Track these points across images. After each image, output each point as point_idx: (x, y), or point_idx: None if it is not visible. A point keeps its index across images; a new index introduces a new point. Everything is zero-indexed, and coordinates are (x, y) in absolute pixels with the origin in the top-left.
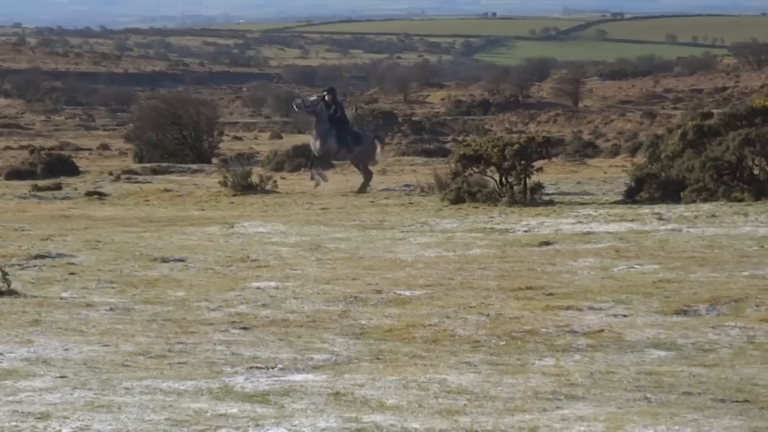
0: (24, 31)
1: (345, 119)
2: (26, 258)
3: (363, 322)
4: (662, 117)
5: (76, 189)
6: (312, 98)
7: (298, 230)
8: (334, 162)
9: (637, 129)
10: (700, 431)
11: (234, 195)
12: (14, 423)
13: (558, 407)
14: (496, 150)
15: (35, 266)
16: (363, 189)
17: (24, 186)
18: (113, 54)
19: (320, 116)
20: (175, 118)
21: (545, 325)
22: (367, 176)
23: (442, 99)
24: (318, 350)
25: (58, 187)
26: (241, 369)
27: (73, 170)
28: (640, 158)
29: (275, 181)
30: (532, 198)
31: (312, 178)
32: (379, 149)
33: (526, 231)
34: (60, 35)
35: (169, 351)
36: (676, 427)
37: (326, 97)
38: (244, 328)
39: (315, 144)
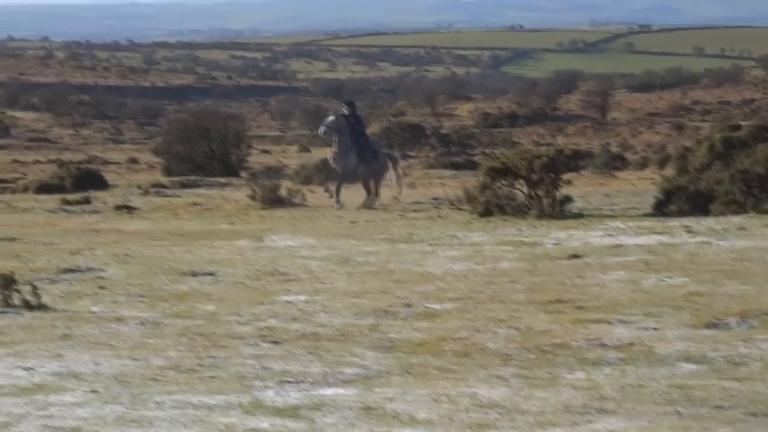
0: (51, 45)
1: (364, 133)
2: (56, 272)
3: (393, 335)
4: (690, 129)
5: (104, 203)
6: (331, 118)
7: (328, 244)
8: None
9: (665, 141)
10: None
11: (263, 208)
12: None
13: (589, 421)
14: (524, 163)
15: (65, 280)
16: (370, 204)
17: (53, 200)
18: (141, 68)
19: (341, 133)
20: (203, 131)
21: (575, 338)
22: (377, 193)
23: (470, 112)
24: (348, 364)
25: (87, 200)
26: (272, 383)
27: (102, 184)
28: (669, 171)
29: (304, 195)
30: (560, 211)
31: (326, 190)
32: (390, 169)
33: (555, 244)
34: (88, 49)
35: (200, 365)
36: None
37: (345, 111)
38: (274, 342)
39: (335, 161)
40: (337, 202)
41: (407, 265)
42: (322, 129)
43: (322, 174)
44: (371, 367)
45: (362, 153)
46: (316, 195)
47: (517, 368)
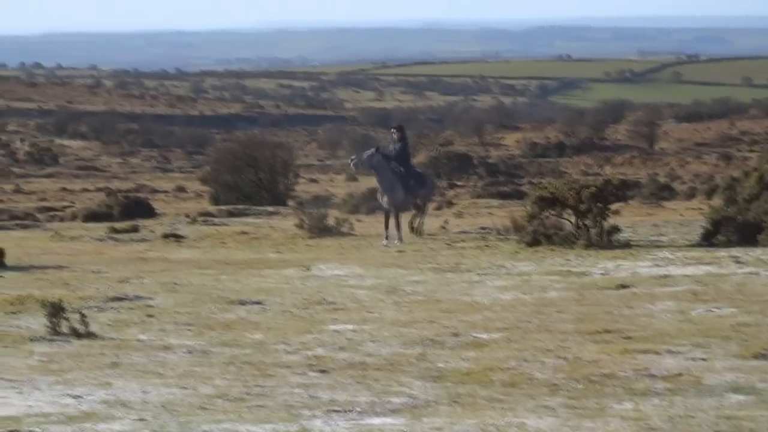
0: (100, 73)
1: (407, 157)
2: (104, 300)
3: (440, 365)
4: (738, 159)
5: (152, 231)
6: (367, 153)
7: (375, 273)
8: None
9: (713, 171)
10: None
11: (310, 237)
12: None
13: None
14: (572, 192)
15: (113, 309)
16: (419, 227)
17: (101, 228)
18: (189, 96)
19: (380, 169)
20: (250, 160)
21: (623, 368)
22: (422, 214)
23: (517, 141)
24: (396, 393)
25: (135, 229)
26: (319, 412)
27: (150, 212)
28: (717, 201)
29: (351, 224)
30: (608, 241)
31: (387, 237)
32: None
33: (603, 274)
34: (136, 77)
35: (247, 394)
36: None
37: (394, 134)
38: (322, 371)
39: (383, 199)
40: (386, 237)
41: (455, 295)
42: (353, 160)
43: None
44: (419, 396)
45: (407, 184)
46: (364, 224)
47: (565, 398)
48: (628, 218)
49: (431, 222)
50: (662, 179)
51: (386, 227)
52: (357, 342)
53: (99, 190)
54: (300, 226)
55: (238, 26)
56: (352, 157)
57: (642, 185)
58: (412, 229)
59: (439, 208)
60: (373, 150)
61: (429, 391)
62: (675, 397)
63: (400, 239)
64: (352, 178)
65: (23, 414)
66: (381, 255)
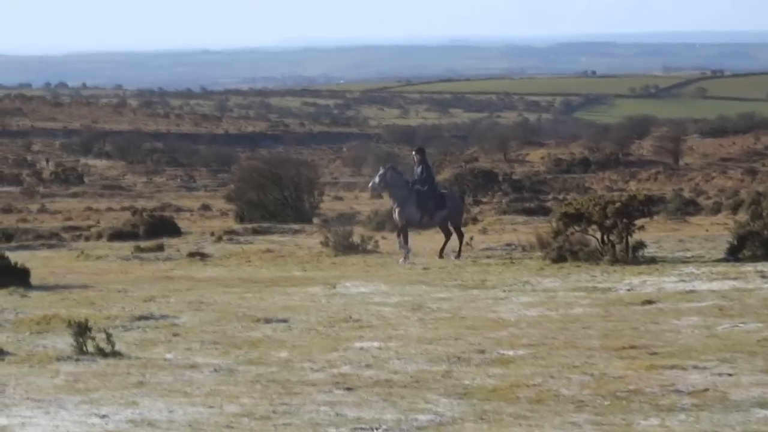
0: (125, 92)
1: (430, 180)
2: (130, 319)
3: (466, 382)
4: (763, 174)
5: (178, 250)
6: (380, 173)
7: (400, 290)
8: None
9: (738, 186)
10: None
11: (336, 255)
12: None
13: None
14: (597, 208)
15: (139, 328)
16: (459, 252)
17: (126, 247)
18: (214, 115)
19: (393, 185)
20: (275, 178)
21: (649, 384)
22: (460, 237)
23: (542, 158)
24: (422, 411)
25: (161, 248)
26: (345, 430)
27: (175, 231)
28: (742, 216)
29: (376, 241)
30: (634, 256)
31: (401, 247)
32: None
33: (628, 290)
34: (161, 97)
35: (274, 412)
36: None
37: (415, 157)
38: (348, 389)
39: (395, 214)
40: (406, 255)
41: (480, 312)
42: (371, 187)
43: (397, 236)
44: (445, 413)
45: (423, 202)
46: (389, 241)
47: (592, 415)
48: (653, 234)
49: (454, 238)
50: (687, 194)
51: (405, 241)
52: (383, 359)
53: (124, 209)
54: (325, 244)
55: (263, 45)
56: (370, 184)
57: (667, 201)
58: (441, 256)
59: (464, 224)
60: (383, 169)
61: (455, 408)
62: (701, 412)
63: (406, 256)
64: (377, 196)
65: None
66: (406, 272)
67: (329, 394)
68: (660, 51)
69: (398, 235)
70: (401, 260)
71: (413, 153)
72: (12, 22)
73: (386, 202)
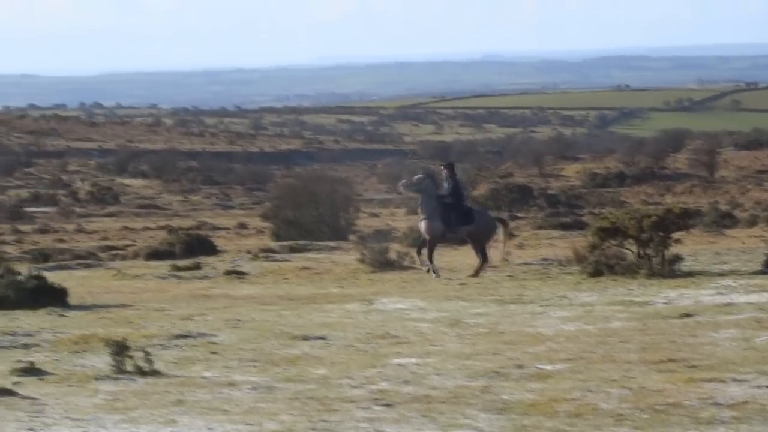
0: (159, 112)
1: (458, 195)
2: (168, 338)
3: (505, 397)
4: None
5: (215, 268)
6: (417, 176)
7: (438, 306)
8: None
9: None
10: None
11: (372, 272)
12: None
13: None
14: (633, 222)
15: (177, 346)
16: (477, 273)
17: (163, 266)
18: (248, 133)
19: (426, 194)
20: (311, 195)
21: (688, 397)
22: (483, 259)
23: (577, 172)
24: (461, 426)
25: (197, 266)
26: None
27: (212, 249)
28: None
29: (413, 257)
30: (670, 269)
31: (422, 263)
32: (500, 233)
33: (666, 303)
34: (195, 115)
35: (313, 429)
36: None
37: (444, 172)
38: (387, 405)
39: (420, 225)
40: (432, 270)
41: (518, 326)
42: (402, 184)
43: (416, 246)
44: (484, 428)
45: (447, 216)
46: (425, 257)
47: (631, 428)
48: (689, 247)
49: (491, 253)
50: (723, 207)
51: (430, 258)
52: (421, 375)
53: (160, 228)
54: (362, 261)
55: (296, 63)
56: (402, 180)
57: (703, 214)
58: (475, 274)
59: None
60: (423, 174)
61: (494, 423)
62: (741, 425)
63: (427, 266)
64: (413, 212)
65: None
66: (443, 288)
67: (368, 411)
68: (694, 64)
69: (419, 251)
70: (432, 275)
71: (442, 167)
72: (46, 44)
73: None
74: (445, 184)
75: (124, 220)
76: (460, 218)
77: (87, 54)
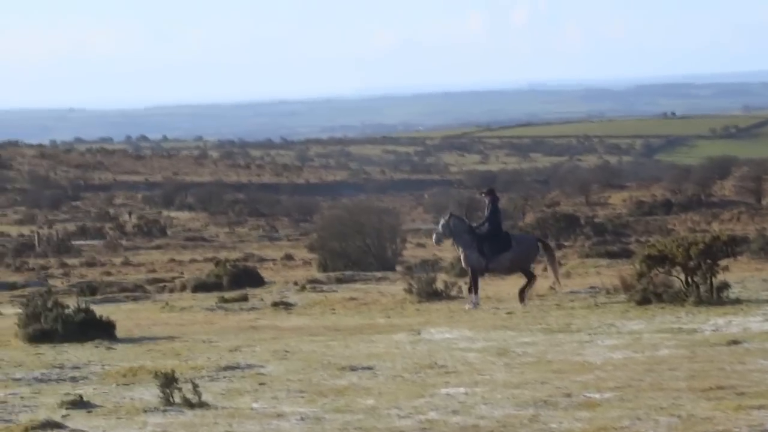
0: (206, 144)
1: (495, 221)
2: (216, 370)
3: (554, 426)
4: None
5: (262, 300)
6: (441, 223)
7: (485, 335)
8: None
9: None
10: None
11: (419, 302)
12: None
13: None
14: (680, 250)
15: (225, 378)
16: (523, 296)
17: (211, 298)
18: (294, 165)
19: (456, 231)
20: (357, 226)
21: (738, 425)
22: (529, 279)
23: (624, 200)
24: None
25: (245, 298)
26: None
27: (259, 281)
28: None
29: (460, 287)
30: (718, 297)
31: (471, 301)
32: (546, 259)
33: (714, 330)
34: (241, 147)
35: None
36: None
37: (485, 198)
38: None
39: (461, 259)
40: (473, 302)
41: (566, 355)
42: (434, 241)
43: (463, 276)
44: None
45: (482, 245)
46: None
47: None
48: (737, 274)
49: (540, 283)
50: None
51: (474, 289)
52: (469, 405)
53: (207, 260)
54: (409, 291)
55: (342, 94)
56: (434, 236)
57: (750, 241)
58: (521, 299)
59: (545, 269)
60: (445, 218)
61: None
62: None
63: (473, 303)
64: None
65: None
66: (490, 317)
67: None
68: (739, 91)
69: (470, 289)
70: (467, 305)
71: (482, 194)
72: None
73: None
74: (486, 211)
75: (171, 252)
76: (496, 246)
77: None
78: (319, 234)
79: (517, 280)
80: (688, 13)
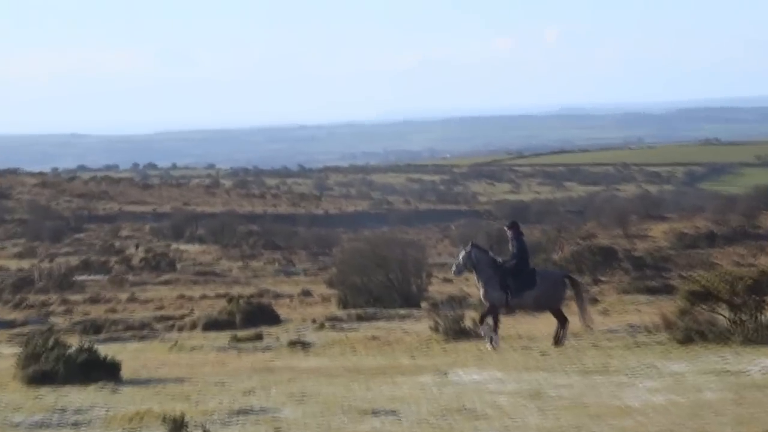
0: (218, 172)
1: (521, 256)
2: (228, 414)
3: None
4: None
5: (277, 339)
6: (462, 254)
7: (516, 377)
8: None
9: None
10: None
11: (446, 341)
12: None
13: None
14: (725, 285)
15: (238, 422)
16: (558, 339)
17: (223, 337)
18: (312, 194)
19: (478, 265)
20: (380, 260)
21: None
22: (561, 322)
23: (665, 232)
24: None
25: (259, 337)
26: None
27: (274, 319)
28: None
29: (489, 325)
30: (766, 335)
31: (484, 335)
32: (575, 295)
33: (762, 372)
34: (256, 175)
35: None
36: None
37: (508, 232)
38: None
39: (481, 294)
40: (492, 340)
41: (603, 398)
42: (454, 272)
43: (480, 321)
44: None
45: (505, 282)
46: (502, 325)
47: None
48: None
49: (574, 321)
50: None
51: (495, 328)
52: None
53: (219, 296)
54: (435, 329)
55: (363, 118)
56: (454, 267)
57: None
58: (556, 342)
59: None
60: (467, 248)
61: None
62: None
63: (490, 339)
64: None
65: None
66: (522, 358)
67: None
68: None
69: (481, 321)
70: (488, 345)
71: (506, 228)
72: (96, 100)
73: None
74: (510, 246)
75: (181, 288)
76: (521, 283)
77: (140, 110)
78: (339, 268)
79: (551, 318)
80: (732, 33)
